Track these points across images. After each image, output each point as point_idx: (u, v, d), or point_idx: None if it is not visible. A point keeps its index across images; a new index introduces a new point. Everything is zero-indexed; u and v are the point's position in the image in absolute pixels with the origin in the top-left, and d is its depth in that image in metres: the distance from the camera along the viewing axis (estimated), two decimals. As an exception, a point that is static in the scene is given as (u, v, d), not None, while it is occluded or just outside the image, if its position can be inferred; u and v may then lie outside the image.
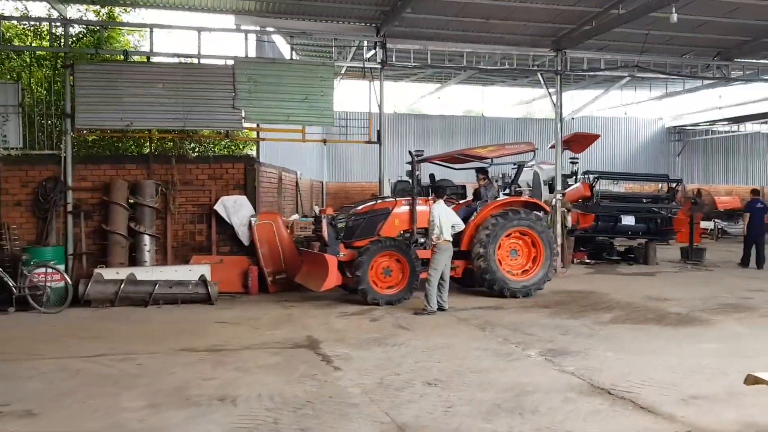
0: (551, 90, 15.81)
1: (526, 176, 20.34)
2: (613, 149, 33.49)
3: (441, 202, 10.69)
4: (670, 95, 25.68)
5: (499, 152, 11.88)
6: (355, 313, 10.38)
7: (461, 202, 12.82)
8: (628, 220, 16.92)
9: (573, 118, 30.32)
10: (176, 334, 8.93)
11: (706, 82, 23.79)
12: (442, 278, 10.45)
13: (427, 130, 30.68)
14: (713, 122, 32.48)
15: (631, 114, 33.44)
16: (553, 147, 19.51)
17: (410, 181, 14.93)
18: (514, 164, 12.26)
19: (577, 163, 19.77)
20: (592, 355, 7.59)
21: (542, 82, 15.93)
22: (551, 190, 18.63)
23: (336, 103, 14.01)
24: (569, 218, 15.53)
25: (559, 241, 15.13)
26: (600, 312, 10.34)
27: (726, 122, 32.55)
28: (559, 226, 15.18)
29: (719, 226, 28.12)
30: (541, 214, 12.66)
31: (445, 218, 10.41)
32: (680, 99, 31.17)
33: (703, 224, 28.06)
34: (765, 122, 31.76)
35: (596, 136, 19.44)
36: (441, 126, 30.94)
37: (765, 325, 9.35)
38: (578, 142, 18.97)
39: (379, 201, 11.91)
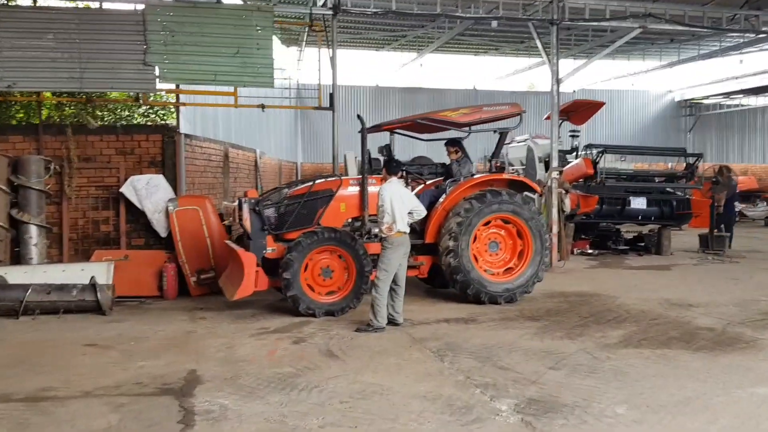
0: (545, 44, 13.03)
1: (518, 153, 17.64)
2: (619, 125, 30.68)
3: (394, 180, 8.01)
4: (682, 62, 22.88)
5: (474, 116, 9.19)
6: (277, 330, 7.77)
7: (430, 182, 10.15)
8: (639, 203, 14.24)
9: (574, 91, 27.60)
10: (11, 366, 6.35)
11: (725, 44, 21.08)
12: (395, 282, 7.84)
13: (413, 104, 27.85)
14: (728, 95, 29.62)
15: (639, 87, 30.62)
16: (549, 118, 16.82)
17: (381, 158, 12.35)
18: (496, 131, 9.58)
19: (578, 136, 17.02)
20: (595, 411, 4.97)
21: (534, 34, 13.14)
22: (547, 168, 15.95)
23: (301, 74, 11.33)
24: (567, 201, 12.86)
25: (554, 229, 12.49)
26: (606, 327, 7.71)
27: (743, 95, 29.70)
28: (555, 210, 12.52)
29: (737, 209, 25.40)
30: (534, 195, 10.05)
31: (399, 202, 7.74)
32: (692, 69, 28.36)
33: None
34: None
35: (600, 104, 16.66)
36: (428, 100, 28.06)
37: (835, 348, 6.73)
38: (579, 111, 16.24)
39: (320, 181, 9.24)
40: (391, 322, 7.76)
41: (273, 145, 21.26)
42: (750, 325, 7.76)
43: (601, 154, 13.81)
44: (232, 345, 7.08)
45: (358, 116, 9.11)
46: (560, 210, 12.59)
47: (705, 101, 31.33)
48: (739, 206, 25.54)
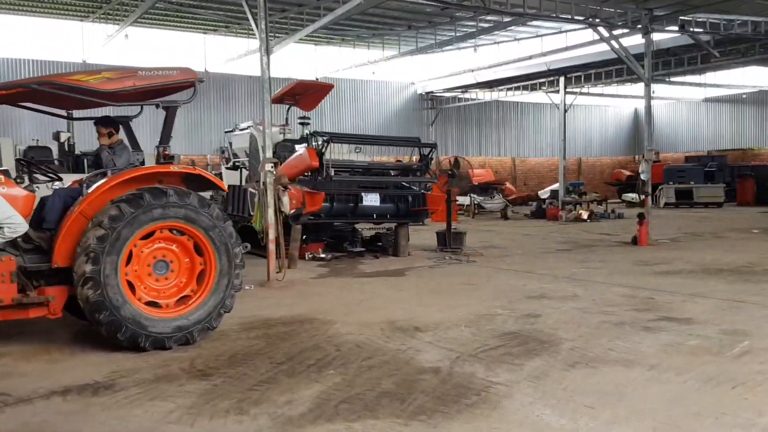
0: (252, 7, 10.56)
1: (242, 142, 15.13)
2: (363, 116, 29.68)
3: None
4: (420, 51, 22.16)
5: (125, 82, 6.40)
6: None
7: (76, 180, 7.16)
8: (371, 199, 12.51)
9: (317, 79, 25.81)
10: None
11: (459, 31, 20.62)
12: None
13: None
14: (465, 88, 30.07)
15: (383, 78, 29.88)
16: (274, 101, 14.54)
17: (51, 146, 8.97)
18: (159, 105, 6.88)
19: (308, 124, 14.94)
20: None
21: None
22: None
23: None
24: (285, 199, 10.60)
25: (271, 234, 10.16)
26: (300, 381, 5.45)
27: (478, 89, 30.37)
28: (271, 211, 10.19)
29: (476, 201, 25.62)
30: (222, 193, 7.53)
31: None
32: (433, 61, 28.25)
33: (460, 199, 25.41)
34: (516, 88, 30.07)
35: (328, 86, 14.76)
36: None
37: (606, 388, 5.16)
38: (307, 95, 14.17)
39: None
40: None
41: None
42: (483, 358, 6.03)
43: (325, 144, 11.76)
44: None
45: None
46: (278, 211, 10.28)
47: (445, 94, 31.61)
48: (477, 198, 25.86)
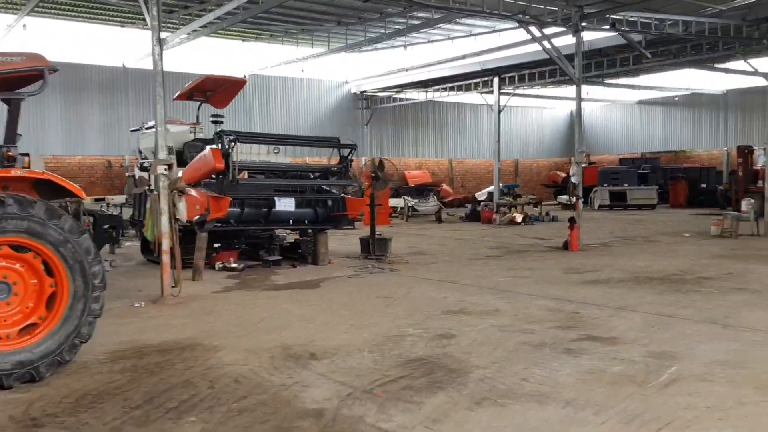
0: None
1: (149, 142, 13.93)
2: (295, 116, 28.55)
3: None
4: (350, 47, 21.28)
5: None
6: None
7: None
8: (286, 204, 11.53)
9: (245, 76, 24.64)
10: None
11: (390, 28, 19.88)
12: None
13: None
14: (400, 88, 29.34)
15: (315, 76, 28.88)
16: (180, 98, 13.44)
17: None
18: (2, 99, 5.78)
19: (221, 122, 13.85)
20: None
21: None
22: (180, 162, 12.56)
23: None
24: (182, 206, 9.56)
25: (165, 244, 9.10)
26: (151, 432, 4.50)
27: (413, 88, 29.69)
28: (165, 218, 9.13)
29: (410, 204, 24.91)
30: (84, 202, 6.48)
31: None
32: (367, 60, 27.46)
33: (393, 202, 24.68)
34: (452, 88, 29.52)
35: (241, 82, 13.72)
36: (58, 78, 22.47)
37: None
38: (219, 92, 13.09)
39: None
40: None
41: None
42: (410, 392, 5.18)
43: (232, 145, 10.72)
44: None
45: None
46: (172, 219, 9.22)
47: (380, 94, 30.83)
48: (411, 201, 25.15)
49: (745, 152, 24.42)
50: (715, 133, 33.87)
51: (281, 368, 5.92)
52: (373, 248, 13.25)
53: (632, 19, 17.31)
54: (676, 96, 34.19)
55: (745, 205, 17.75)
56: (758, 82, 25.08)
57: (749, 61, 22.27)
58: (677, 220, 22.96)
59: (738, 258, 12.92)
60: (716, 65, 24.88)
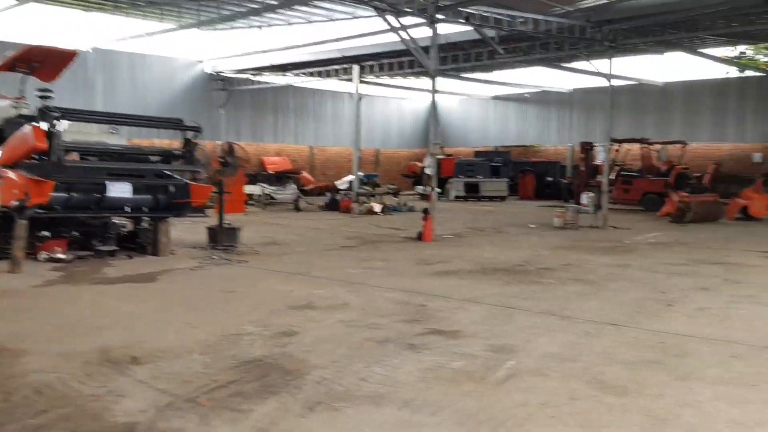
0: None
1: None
2: (144, 94, 26.85)
3: None
4: (203, 24, 20.19)
5: None
6: None
7: None
8: (121, 190, 10.59)
9: (90, 50, 22.74)
10: None
11: (243, 7, 19.05)
12: None
13: None
14: (258, 70, 28.42)
15: (167, 53, 27.28)
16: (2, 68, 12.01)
17: None
18: None
19: (50, 97, 12.48)
20: None
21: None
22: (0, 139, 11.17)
23: None
24: (-7, 190, 8.42)
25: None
26: None
27: (271, 72, 28.88)
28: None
29: (267, 192, 24.22)
30: None
31: None
32: (224, 38, 26.26)
33: (249, 189, 23.87)
34: (312, 74, 29.02)
35: (71, 53, 12.44)
36: None
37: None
38: (45, 63, 11.80)
39: None
40: None
41: None
42: (239, 398, 4.71)
43: (55, 122, 9.63)
44: None
45: None
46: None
47: (237, 75, 29.70)
48: (269, 189, 24.48)
49: (587, 148, 25.97)
50: (562, 129, 35.90)
51: (95, 375, 5.26)
52: (221, 238, 12.57)
53: (486, 14, 17.71)
54: (527, 93, 35.85)
55: (585, 198, 18.83)
56: (601, 82, 26.71)
57: (592, 62, 23.62)
58: (525, 212, 24.02)
59: (577, 249, 13.57)
60: (563, 64, 26.21)
